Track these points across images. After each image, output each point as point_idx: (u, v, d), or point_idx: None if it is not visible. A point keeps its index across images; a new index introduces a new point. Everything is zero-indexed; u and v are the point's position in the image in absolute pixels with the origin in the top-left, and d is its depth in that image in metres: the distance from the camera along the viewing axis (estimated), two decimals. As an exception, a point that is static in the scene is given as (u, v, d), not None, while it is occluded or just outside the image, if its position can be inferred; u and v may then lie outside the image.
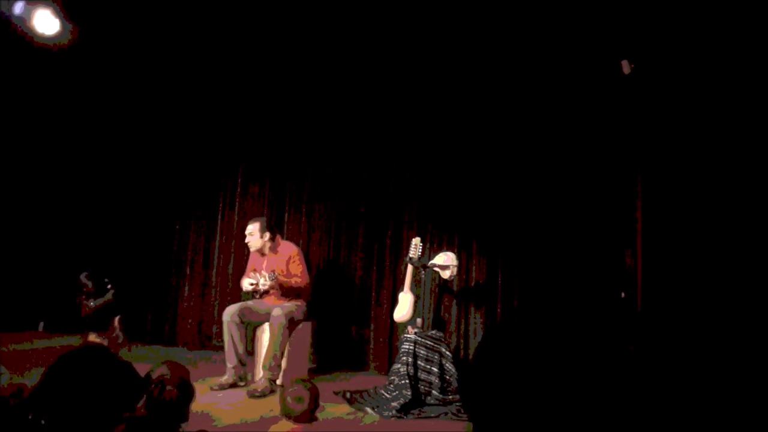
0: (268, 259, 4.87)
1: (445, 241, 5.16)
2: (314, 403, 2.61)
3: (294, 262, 4.85)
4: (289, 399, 2.59)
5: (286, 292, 4.76)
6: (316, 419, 2.65)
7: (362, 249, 5.54)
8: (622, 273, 4.46)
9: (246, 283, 4.90)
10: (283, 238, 5.25)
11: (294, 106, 5.80)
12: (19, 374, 3.56)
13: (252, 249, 4.91)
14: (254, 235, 4.87)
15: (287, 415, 2.59)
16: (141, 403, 2.17)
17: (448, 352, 4.43)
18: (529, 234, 4.89)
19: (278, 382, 4.54)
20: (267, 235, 4.88)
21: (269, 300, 4.85)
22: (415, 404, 4.21)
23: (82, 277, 2.24)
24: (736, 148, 4.11)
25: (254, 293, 4.90)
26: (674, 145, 4.32)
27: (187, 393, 2.30)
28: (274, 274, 4.59)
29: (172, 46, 5.76)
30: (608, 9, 4.30)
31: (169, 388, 2.20)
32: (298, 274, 4.82)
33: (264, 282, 4.65)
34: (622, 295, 4.40)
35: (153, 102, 6.19)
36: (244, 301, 5.11)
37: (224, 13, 5.26)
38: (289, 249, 4.93)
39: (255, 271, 4.92)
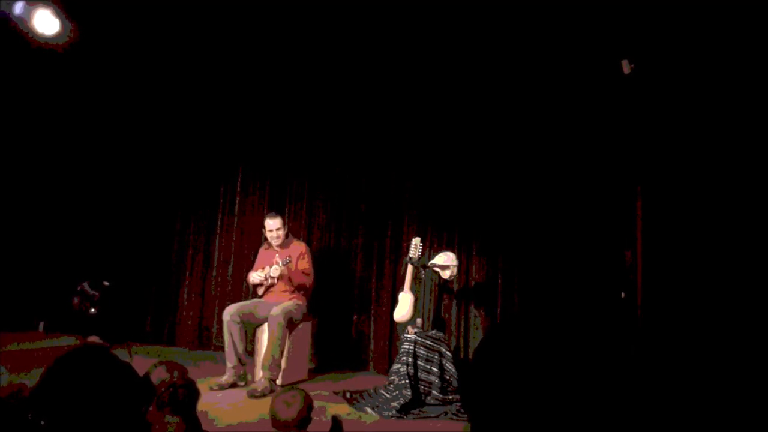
0: (279, 255, 4.87)
1: (445, 241, 5.16)
2: (304, 412, 2.48)
3: (304, 258, 4.94)
4: (277, 406, 2.49)
5: (294, 285, 4.80)
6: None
7: (362, 249, 5.54)
8: (622, 273, 4.46)
9: (254, 276, 4.93)
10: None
11: (294, 106, 5.79)
12: (19, 374, 3.56)
13: (276, 243, 4.91)
14: (280, 229, 4.89)
15: (273, 418, 2.48)
16: (151, 407, 2.18)
17: (448, 352, 4.43)
18: (529, 234, 4.89)
19: (278, 382, 4.54)
20: (286, 229, 4.96)
21: (270, 299, 4.86)
22: (415, 404, 4.21)
23: (85, 285, 2.26)
24: (736, 147, 4.10)
25: (259, 286, 4.92)
26: (674, 145, 4.32)
27: (194, 391, 2.32)
28: (289, 258, 4.67)
29: (173, 46, 5.76)
30: (608, 9, 4.30)
31: (180, 390, 2.22)
32: (306, 270, 4.90)
33: (276, 268, 4.66)
34: (623, 295, 4.40)
35: (154, 102, 6.19)
36: (245, 299, 5.13)
37: (227, 14, 5.25)
38: (300, 246, 5.02)
39: (262, 269, 4.93)
